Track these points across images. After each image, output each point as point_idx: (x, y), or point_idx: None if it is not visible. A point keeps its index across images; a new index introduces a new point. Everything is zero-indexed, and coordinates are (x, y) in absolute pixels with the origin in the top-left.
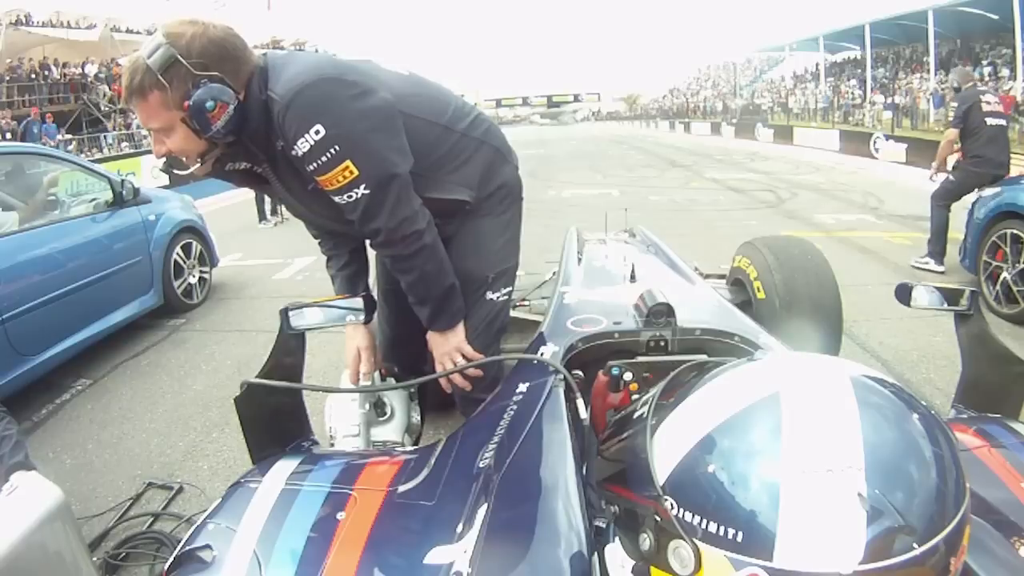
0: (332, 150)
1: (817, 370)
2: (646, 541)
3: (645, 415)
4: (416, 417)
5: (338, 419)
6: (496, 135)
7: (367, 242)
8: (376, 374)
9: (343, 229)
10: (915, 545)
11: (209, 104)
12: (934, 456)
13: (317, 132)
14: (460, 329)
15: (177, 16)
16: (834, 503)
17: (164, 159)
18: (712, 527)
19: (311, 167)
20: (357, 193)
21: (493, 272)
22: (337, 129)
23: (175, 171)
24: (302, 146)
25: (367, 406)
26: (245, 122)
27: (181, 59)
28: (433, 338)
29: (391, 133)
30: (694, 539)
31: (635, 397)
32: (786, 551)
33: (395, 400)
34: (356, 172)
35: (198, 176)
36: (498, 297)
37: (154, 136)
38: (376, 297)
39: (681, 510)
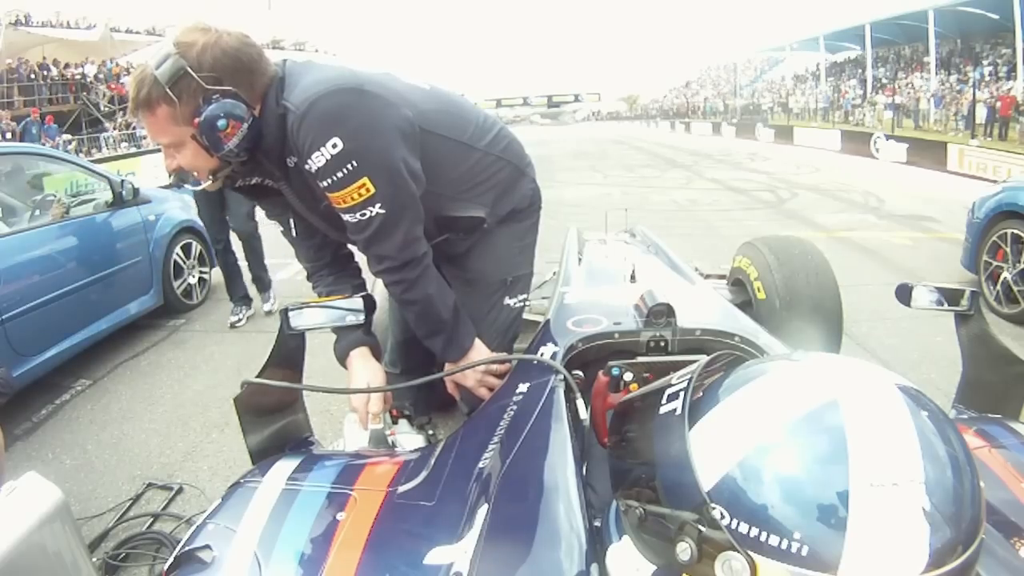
0: (349, 166)
1: (868, 377)
2: (687, 551)
3: (676, 412)
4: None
5: None
6: (515, 151)
7: (370, 269)
8: (386, 416)
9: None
10: (962, 551)
11: (221, 122)
12: (967, 462)
13: (335, 146)
14: (479, 346)
15: (188, 22)
16: (901, 518)
17: (174, 174)
18: (773, 540)
19: (325, 183)
20: (371, 211)
21: (511, 276)
22: (355, 143)
23: (187, 185)
24: (317, 160)
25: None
26: (260, 138)
27: (191, 72)
28: (449, 368)
29: (409, 152)
30: (749, 552)
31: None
32: (852, 566)
33: (408, 446)
34: (373, 190)
35: (209, 190)
36: (515, 303)
37: (164, 150)
38: (388, 302)
39: (734, 520)
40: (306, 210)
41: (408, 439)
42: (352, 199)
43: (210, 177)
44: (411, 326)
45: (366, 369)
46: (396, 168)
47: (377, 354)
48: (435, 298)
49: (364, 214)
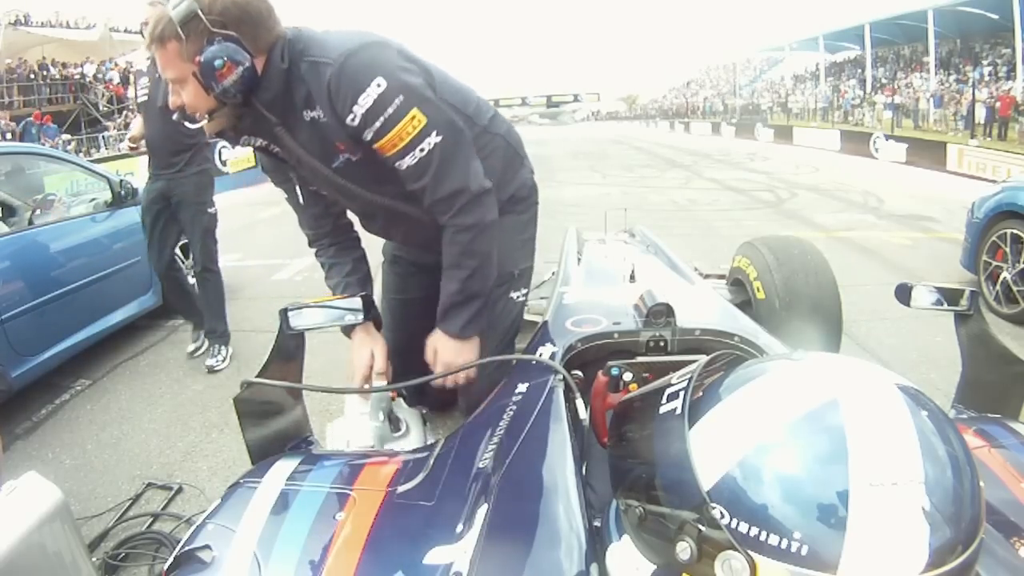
0: (397, 100)
1: (868, 377)
2: (686, 550)
3: (676, 411)
4: (431, 439)
5: (351, 434)
6: (515, 137)
7: (441, 219)
8: (383, 416)
9: (363, 208)
10: (962, 551)
11: (218, 62)
12: (967, 462)
13: (379, 85)
14: (476, 344)
15: None
16: (901, 517)
17: (178, 111)
18: (773, 540)
19: (375, 126)
20: (430, 143)
21: (517, 268)
22: (397, 80)
23: (187, 123)
24: (364, 102)
25: (381, 417)
26: (259, 89)
27: (201, 14)
28: (448, 344)
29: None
30: (749, 551)
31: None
32: (851, 565)
33: (409, 418)
34: (424, 120)
35: (208, 131)
36: (518, 297)
37: (171, 86)
38: (381, 305)
39: (734, 520)
40: (318, 164)
41: (408, 414)
42: (407, 134)
43: (207, 116)
44: (447, 290)
45: (369, 338)
46: (438, 101)
47: (379, 326)
48: (492, 261)
49: (423, 148)
